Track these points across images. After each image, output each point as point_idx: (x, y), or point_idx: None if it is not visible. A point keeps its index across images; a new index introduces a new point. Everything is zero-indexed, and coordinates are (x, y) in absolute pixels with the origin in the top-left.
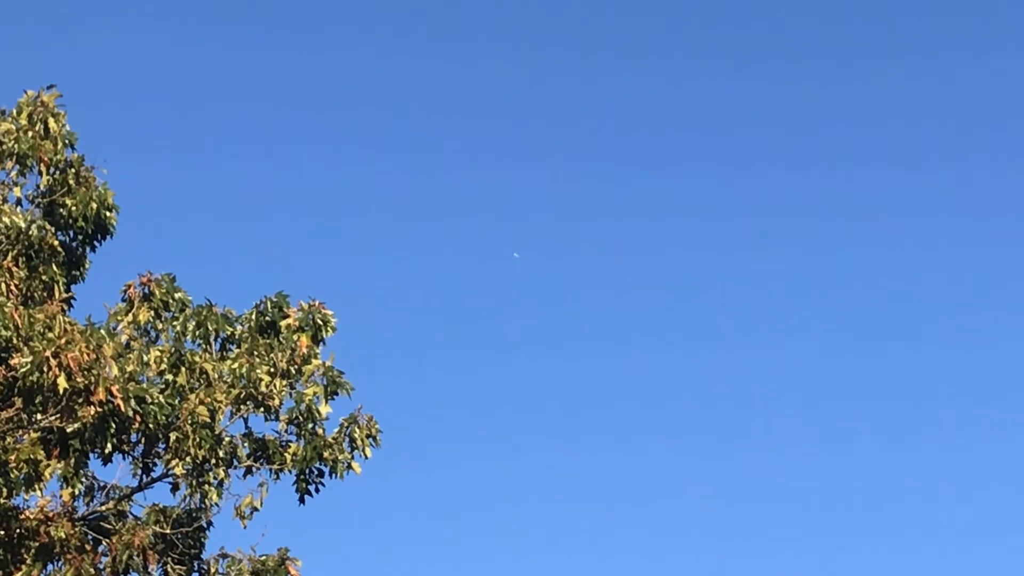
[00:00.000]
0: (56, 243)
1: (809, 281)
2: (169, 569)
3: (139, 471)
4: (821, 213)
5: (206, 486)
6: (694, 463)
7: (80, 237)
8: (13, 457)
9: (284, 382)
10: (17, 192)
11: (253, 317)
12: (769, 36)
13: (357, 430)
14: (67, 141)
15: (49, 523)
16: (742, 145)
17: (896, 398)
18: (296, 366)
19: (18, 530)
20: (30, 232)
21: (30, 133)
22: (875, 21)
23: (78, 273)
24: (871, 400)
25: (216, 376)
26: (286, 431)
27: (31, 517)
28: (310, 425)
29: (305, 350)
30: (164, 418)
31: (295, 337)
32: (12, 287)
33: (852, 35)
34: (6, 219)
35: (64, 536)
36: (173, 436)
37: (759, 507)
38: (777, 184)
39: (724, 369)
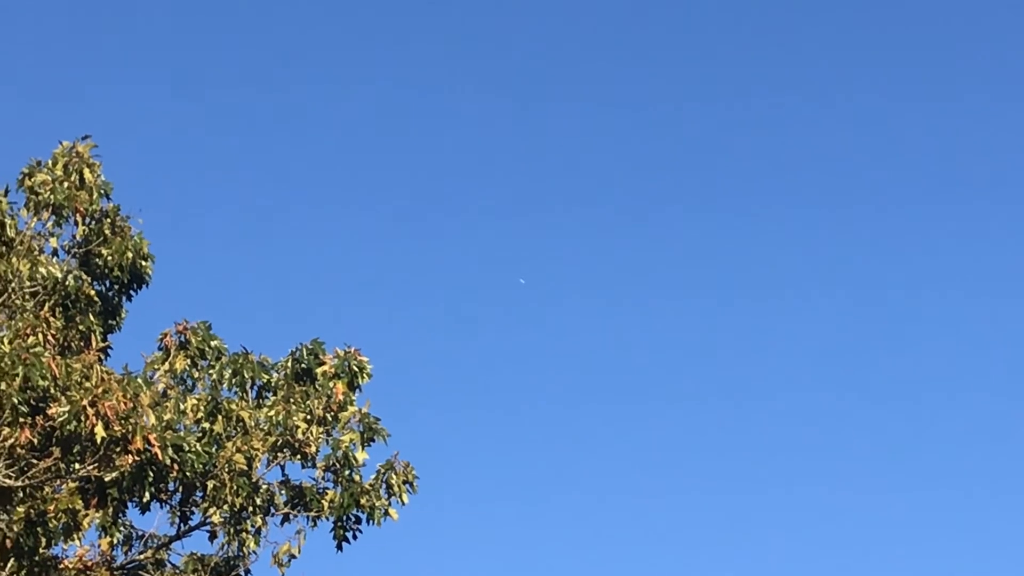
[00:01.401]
0: (92, 293)
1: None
2: None
3: (177, 519)
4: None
5: (244, 534)
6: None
7: (116, 286)
8: (52, 507)
9: (320, 429)
10: (53, 243)
11: (289, 364)
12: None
13: (394, 476)
14: (102, 191)
15: (88, 572)
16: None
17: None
18: (332, 413)
19: None
20: (67, 282)
21: (66, 184)
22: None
23: (114, 322)
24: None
25: (253, 424)
26: (323, 478)
27: (70, 567)
28: (347, 472)
29: (341, 397)
30: (201, 466)
31: (331, 384)
32: (49, 337)
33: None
34: (43, 269)
35: None
36: (210, 484)
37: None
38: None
39: (750, 415)
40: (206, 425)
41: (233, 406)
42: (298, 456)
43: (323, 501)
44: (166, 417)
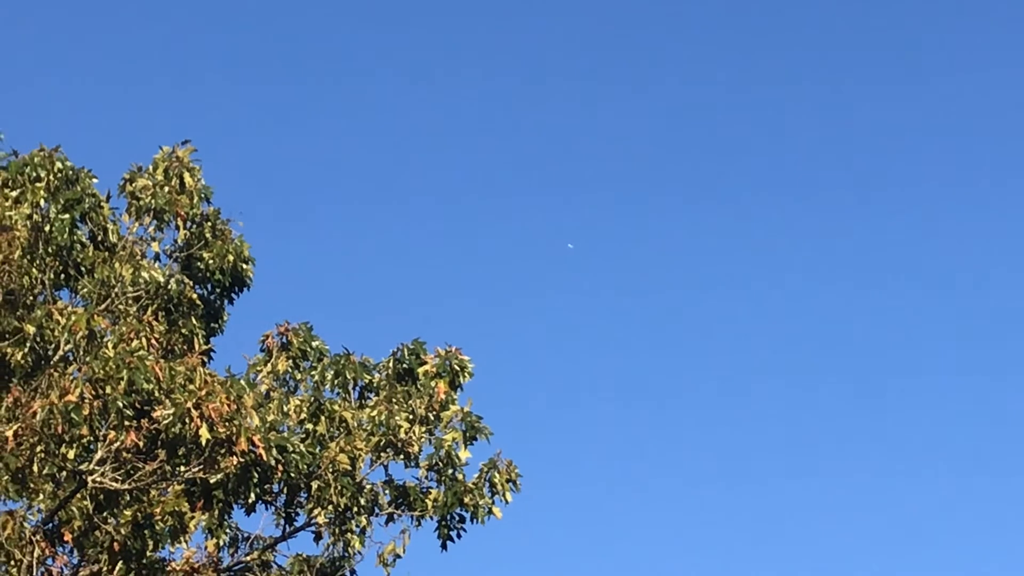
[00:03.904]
0: (194, 296)
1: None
2: None
3: (282, 521)
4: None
5: (349, 534)
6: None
7: (218, 290)
8: (158, 510)
9: (423, 428)
10: (155, 247)
11: (390, 364)
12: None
13: (497, 475)
14: (203, 195)
15: (195, 574)
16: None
17: None
18: (434, 412)
19: None
20: (169, 286)
21: (166, 188)
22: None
23: (216, 325)
24: None
25: (355, 424)
26: (426, 477)
27: (177, 569)
28: (450, 471)
29: (443, 396)
30: (305, 467)
31: (433, 383)
32: (153, 341)
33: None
34: (145, 274)
35: None
36: (315, 485)
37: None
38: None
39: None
40: (309, 426)
41: (336, 407)
42: (401, 456)
43: (427, 500)
44: (270, 418)
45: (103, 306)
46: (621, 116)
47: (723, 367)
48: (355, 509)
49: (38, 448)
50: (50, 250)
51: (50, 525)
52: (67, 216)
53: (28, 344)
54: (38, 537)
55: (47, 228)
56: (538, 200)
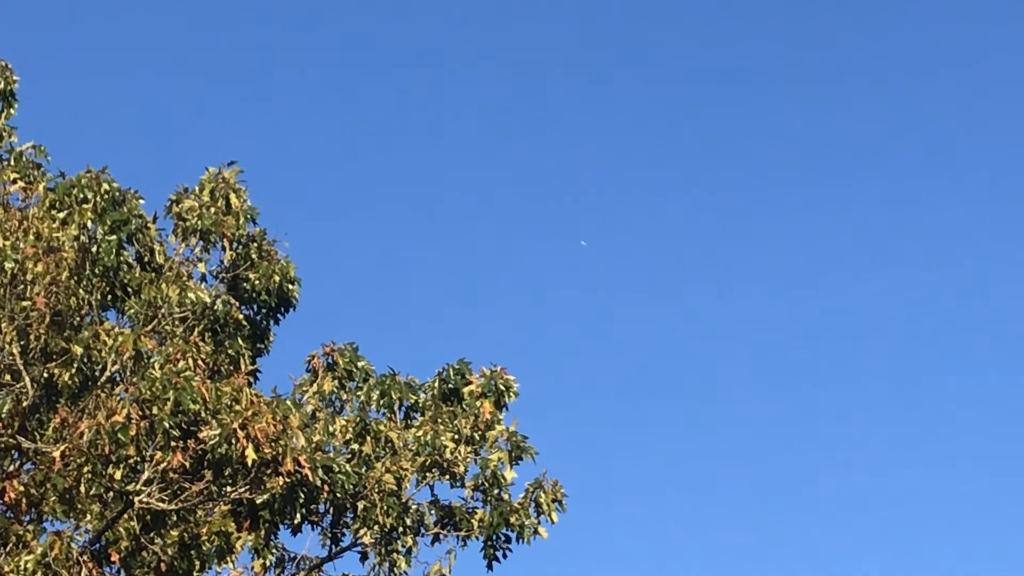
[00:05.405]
0: (241, 317)
1: None
2: None
3: (328, 541)
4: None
5: (395, 554)
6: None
7: (264, 310)
8: (205, 530)
9: (468, 448)
10: (202, 268)
11: (436, 385)
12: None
13: (542, 495)
14: (249, 216)
15: None
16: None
17: None
18: (480, 432)
19: None
20: (215, 307)
21: (212, 209)
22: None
23: (263, 346)
24: None
25: (401, 444)
26: (472, 497)
27: None
28: (495, 491)
29: (488, 416)
30: (351, 487)
31: (478, 403)
32: (199, 361)
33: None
34: (192, 295)
35: None
36: (361, 505)
37: None
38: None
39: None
40: (355, 446)
41: (381, 427)
42: (447, 476)
43: (472, 520)
44: (316, 439)
45: (150, 327)
46: (644, 113)
47: (781, 372)
48: (401, 529)
49: (85, 469)
50: (97, 271)
51: (97, 546)
52: (114, 237)
53: (75, 365)
54: (85, 558)
55: (94, 249)
56: (578, 220)
